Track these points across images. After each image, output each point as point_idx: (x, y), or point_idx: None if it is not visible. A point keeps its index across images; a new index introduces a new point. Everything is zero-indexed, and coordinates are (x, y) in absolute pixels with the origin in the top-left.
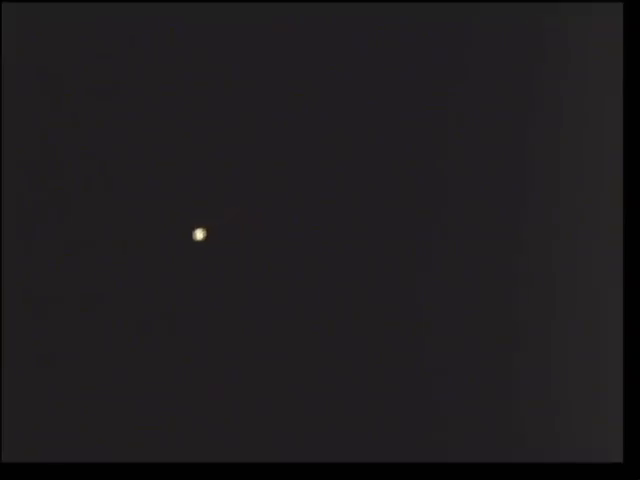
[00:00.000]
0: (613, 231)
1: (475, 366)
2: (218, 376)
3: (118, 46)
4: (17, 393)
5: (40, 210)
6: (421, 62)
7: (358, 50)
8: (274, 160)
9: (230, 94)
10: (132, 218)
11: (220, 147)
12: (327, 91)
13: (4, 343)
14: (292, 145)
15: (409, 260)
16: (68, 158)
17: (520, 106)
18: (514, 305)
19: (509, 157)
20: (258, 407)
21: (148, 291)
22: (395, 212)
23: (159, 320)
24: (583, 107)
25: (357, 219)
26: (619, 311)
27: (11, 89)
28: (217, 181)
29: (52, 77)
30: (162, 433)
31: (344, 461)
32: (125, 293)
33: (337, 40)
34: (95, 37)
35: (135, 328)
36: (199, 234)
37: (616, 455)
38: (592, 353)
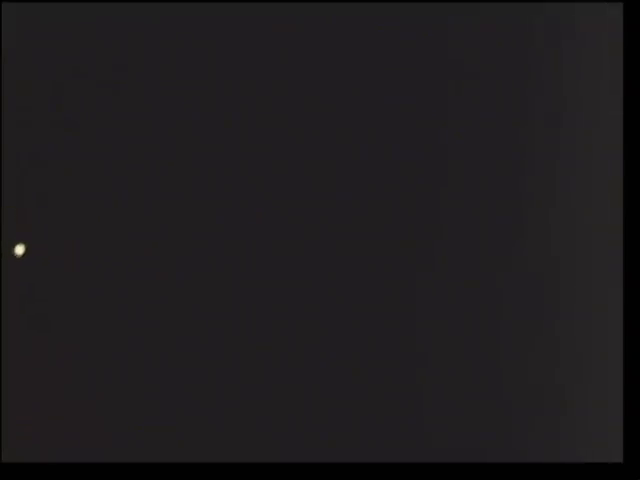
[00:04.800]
0: (613, 231)
1: (475, 366)
2: (218, 375)
3: (118, 46)
4: (17, 393)
5: (39, 210)
6: (420, 63)
7: (357, 50)
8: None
9: (230, 94)
10: (131, 217)
11: (219, 148)
12: (323, 91)
13: (4, 343)
14: (290, 145)
15: (407, 259)
16: (68, 158)
17: (519, 106)
18: (513, 304)
19: (508, 158)
20: (258, 407)
21: (148, 290)
22: (392, 212)
23: (160, 319)
24: (583, 107)
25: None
26: (619, 311)
27: (11, 89)
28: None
29: (52, 77)
30: (162, 433)
31: (344, 461)
32: (125, 293)
33: (335, 40)
34: (95, 37)
35: (136, 327)
36: (19, 249)
37: (616, 455)
38: (592, 353)
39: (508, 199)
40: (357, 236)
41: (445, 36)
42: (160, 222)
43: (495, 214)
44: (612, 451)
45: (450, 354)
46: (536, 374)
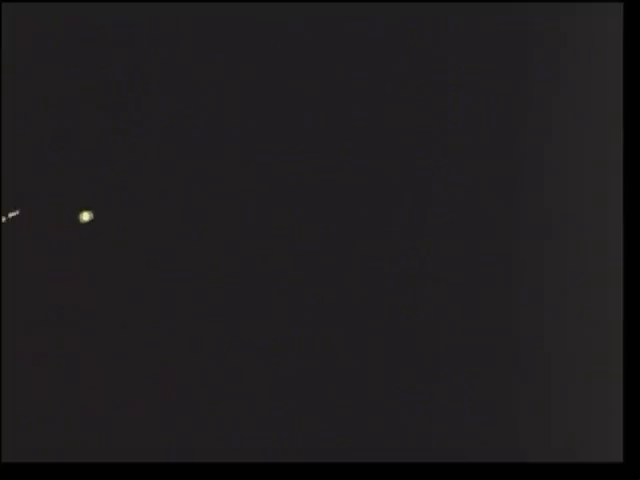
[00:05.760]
0: (613, 231)
1: (475, 366)
2: (217, 375)
3: (118, 46)
4: (17, 393)
5: (38, 210)
6: (420, 62)
7: (356, 49)
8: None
9: (230, 93)
10: (130, 217)
11: (218, 147)
12: (318, 91)
13: (4, 343)
14: (289, 144)
15: (407, 259)
16: (68, 157)
17: (519, 106)
18: (514, 305)
19: (507, 159)
20: (257, 407)
21: (147, 291)
22: (390, 211)
23: (159, 319)
24: (583, 107)
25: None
26: (619, 311)
27: (11, 89)
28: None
29: (52, 77)
30: (162, 433)
31: (344, 461)
32: (124, 293)
33: (334, 40)
34: (95, 37)
35: (135, 327)
36: (85, 216)
37: (616, 455)
38: (592, 353)
39: (507, 200)
40: (357, 235)
41: (445, 36)
42: (160, 222)
43: (494, 214)
44: (612, 451)
45: (451, 354)
46: (536, 374)
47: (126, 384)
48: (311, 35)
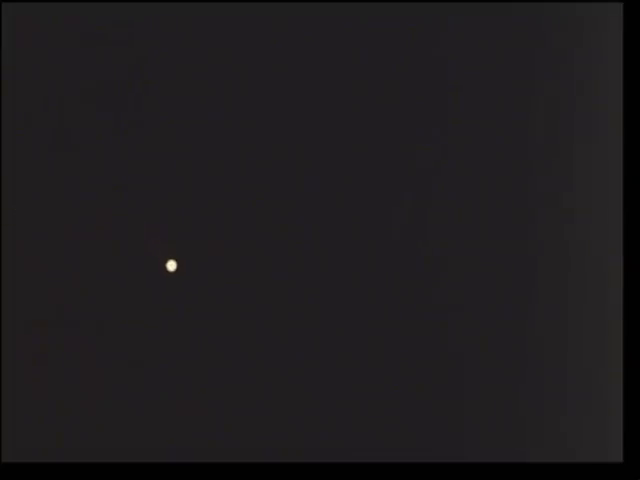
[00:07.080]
0: (612, 231)
1: (474, 366)
2: (217, 375)
3: (119, 46)
4: (17, 393)
5: (39, 211)
6: (420, 63)
7: (356, 50)
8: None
9: (230, 95)
10: (130, 218)
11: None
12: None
13: (4, 343)
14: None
15: (411, 259)
16: (68, 159)
17: (519, 107)
18: (513, 305)
19: (507, 160)
20: (258, 407)
21: (147, 290)
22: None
23: (158, 319)
24: (583, 107)
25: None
26: (619, 310)
27: (11, 89)
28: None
29: (52, 77)
30: (162, 433)
31: (345, 461)
32: (124, 294)
33: (333, 40)
34: (95, 37)
35: (135, 327)
36: (171, 266)
37: (616, 455)
38: (592, 352)
39: (506, 200)
40: (357, 235)
41: (445, 36)
42: (160, 222)
43: (494, 214)
44: (612, 451)
45: (449, 354)
46: (536, 374)
47: (126, 384)
48: (310, 35)
